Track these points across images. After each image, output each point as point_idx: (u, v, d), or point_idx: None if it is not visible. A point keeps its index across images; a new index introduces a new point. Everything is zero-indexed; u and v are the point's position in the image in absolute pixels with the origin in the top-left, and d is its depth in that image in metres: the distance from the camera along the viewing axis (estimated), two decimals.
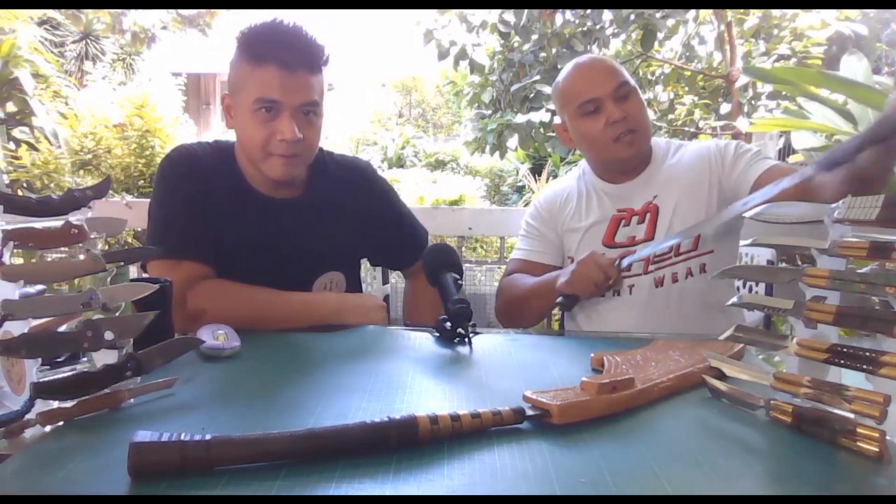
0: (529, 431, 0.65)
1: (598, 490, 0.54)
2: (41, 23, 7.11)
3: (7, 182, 4.59)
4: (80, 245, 0.70)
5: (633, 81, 1.32)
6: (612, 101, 1.27)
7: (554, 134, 4.16)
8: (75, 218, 0.70)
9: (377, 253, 1.44)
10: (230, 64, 1.16)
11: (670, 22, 3.83)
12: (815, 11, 3.82)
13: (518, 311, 1.40)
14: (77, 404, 0.66)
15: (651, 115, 3.98)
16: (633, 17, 3.73)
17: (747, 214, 0.81)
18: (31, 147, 5.01)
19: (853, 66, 2.35)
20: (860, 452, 0.61)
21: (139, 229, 2.73)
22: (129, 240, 3.74)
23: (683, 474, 0.57)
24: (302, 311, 1.11)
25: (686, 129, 4.12)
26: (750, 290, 1.61)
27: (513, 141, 4.27)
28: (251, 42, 1.11)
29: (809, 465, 0.60)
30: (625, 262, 1.25)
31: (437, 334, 1.03)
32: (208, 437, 0.55)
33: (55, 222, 0.69)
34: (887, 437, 0.61)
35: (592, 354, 0.90)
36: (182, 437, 0.54)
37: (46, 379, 0.66)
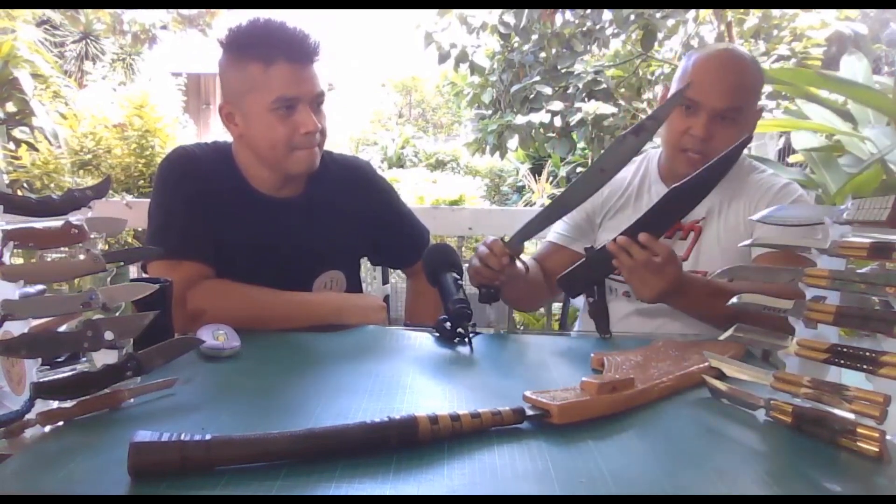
0: (529, 431, 0.65)
1: (598, 490, 0.54)
2: (41, 23, 7.11)
3: (7, 182, 4.59)
4: (80, 245, 0.70)
5: (750, 108, 1.22)
6: (710, 116, 1.17)
7: (553, 134, 4.16)
8: (75, 218, 0.70)
9: (378, 252, 1.44)
10: (224, 72, 1.15)
11: (670, 22, 3.83)
12: (814, 11, 3.82)
13: None
14: (77, 404, 0.66)
15: None
16: (633, 17, 3.73)
17: (754, 218, 0.81)
18: (31, 147, 5.00)
19: (853, 67, 2.35)
20: (860, 452, 0.61)
21: (139, 229, 2.73)
22: (129, 240, 3.73)
23: (683, 474, 0.57)
24: (302, 311, 1.11)
25: None
26: None
27: (513, 141, 4.26)
28: (252, 43, 1.11)
29: (809, 465, 0.60)
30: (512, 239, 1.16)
31: (437, 334, 1.03)
32: (208, 437, 0.55)
33: (55, 222, 0.69)
34: (887, 437, 0.61)
35: (592, 354, 0.90)
36: (182, 437, 0.55)
37: (46, 379, 0.66)
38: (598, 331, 1.12)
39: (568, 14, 4.08)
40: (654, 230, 1.06)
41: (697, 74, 1.21)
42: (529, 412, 0.66)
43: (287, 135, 1.12)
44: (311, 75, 1.12)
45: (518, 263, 1.17)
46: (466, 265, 1.19)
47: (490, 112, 4.57)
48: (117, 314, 0.71)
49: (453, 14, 4.19)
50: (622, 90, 4.16)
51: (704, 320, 1.16)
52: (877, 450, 0.60)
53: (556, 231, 1.40)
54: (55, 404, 0.66)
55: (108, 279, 0.75)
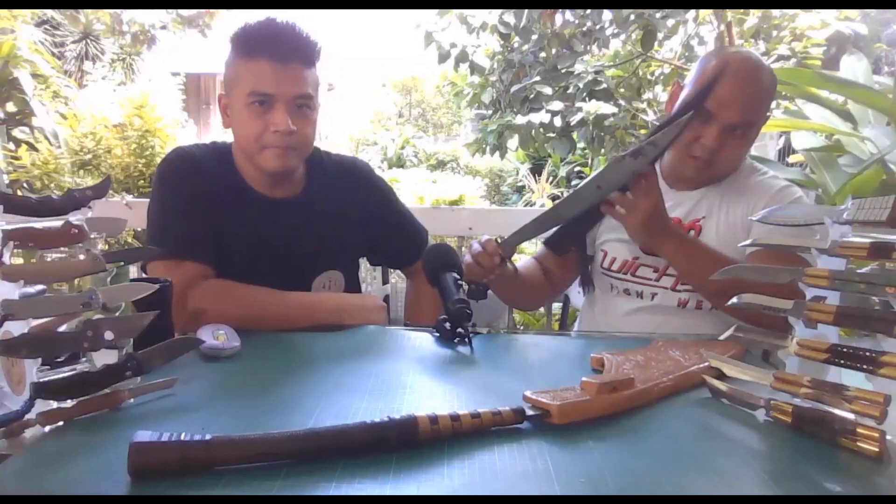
0: (529, 431, 0.65)
1: (598, 490, 0.54)
2: (41, 23, 7.11)
3: (7, 182, 4.59)
4: (80, 245, 0.70)
5: (761, 121, 1.23)
6: (722, 128, 1.18)
7: (553, 134, 4.16)
8: (75, 218, 0.70)
9: (377, 253, 1.44)
10: (225, 64, 1.17)
11: (670, 22, 3.82)
12: (814, 11, 3.81)
13: None
14: (77, 404, 0.66)
15: (651, 115, 3.99)
16: (633, 17, 3.72)
17: (754, 217, 0.81)
18: (31, 147, 5.00)
19: (853, 67, 2.35)
20: (860, 452, 0.61)
21: (139, 229, 2.73)
22: (129, 240, 3.73)
23: (683, 474, 0.57)
24: (302, 311, 1.11)
25: None
26: None
27: (513, 142, 4.26)
28: (244, 38, 1.13)
29: (809, 465, 0.60)
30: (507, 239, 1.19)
31: (437, 334, 1.03)
32: (208, 437, 0.55)
33: (55, 222, 0.69)
34: (887, 437, 0.61)
35: (592, 354, 0.90)
36: (182, 437, 0.54)
37: (46, 379, 0.66)
38: (582, 282, 1.32)
39: (568, 14, 4.08)
40: None
41: (723, 84, 1.18)
42: (529, 412, 0.66)
43: (258, 131, 1.12)
44: (292, 75, 1.11)
45: (508, 265, 1.20)
46: None
47: (490, 112, 4.57)
48: (117, 314, 0.70)
49: (453, 14, 4.19)
50: (622, 90, 4.16)
51: (693, 282, 1.19)
52: (877, 450, 0.60)
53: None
54: (55, 404, 0.66)
55: (108, 279, 0.75)
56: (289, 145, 1.13)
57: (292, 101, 1.12)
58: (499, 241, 1.17)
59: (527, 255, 1.65)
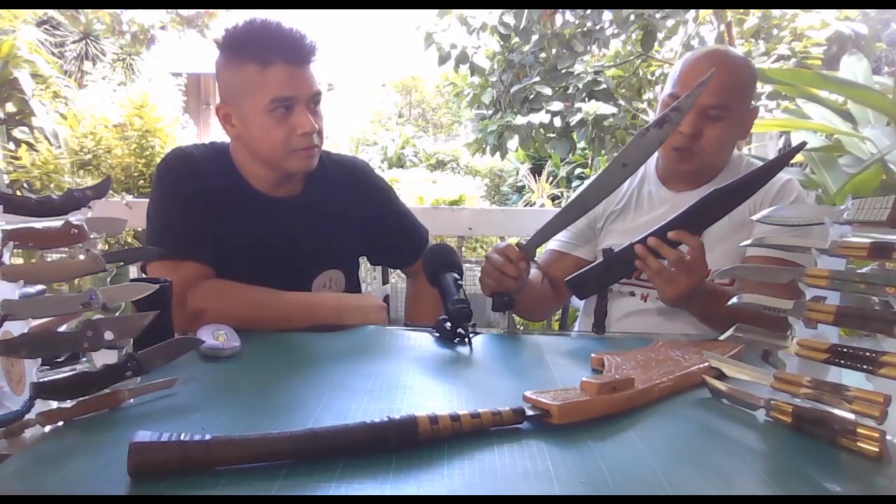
0: (529, 431, 0.65)
1: (598, 490, 0.54)
2: (41, 23, 7.12)
3: (7, 182, 4.59)
4: (80, 245, 0.70)
5: (740, 107, 1.21)
6: (697, 113, 1.17)
7: (553, 135, 4.17)
8: (75, 218, 0.70)
9: (377, 252, 1.44)
10: (220, 71, 1.15)
11: (670, 22, 3.83)
12: (814, 11, 3.82)
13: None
14: (77, 404, 0.66)
15: (651, 115, 3.99)
16: (633, 17, 3.73)
17: (755, 217, 0.81)
18: (31, 147, 5.01)
19: (853, 67, 2.35)
20: (860, 452, 0.61)
21: (139, 229, 2.73)
22: (129, 240, 3.74)
23: (683, 474, 0.57)
24: (302, 311, 1.11)
25: None
26: None
27: (513, 142, 4.27)
28: (249, 45, 1.10)
29: (809, 465, 0.60)
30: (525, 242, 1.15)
31: (437, 334, 1.03)
32: (208, 437, 0.55)
33: (55, 222, 0.69)
34: (887, 437, 0.61)
35: (592, 354, 0.90)
36: (182, 437, 0.54)
37: (46, 379, 0.66)
38: (595, 327, 1.14)
39: (568, 14, 4.08)
40: (688, 232, 1.05)
41: (685, 73, 1.23)
42: (529, 412, 0.66)
43: (285, 136, 1.12)
44: (307, 75, 1.12)
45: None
46: (467, 265, 1.19)
47: (490, 112, 4.58)
48: (117, 314, 0.70)
49: (453, 15, 4.19)
50: (622, 90, 4.16)
51: (711, 324, 1.16)
52: (877, 450, 0.60)
53: (558, 238, 1.39)
54: (55, 404, 0.66)
55: (108, 279, 0.75)
56: (315, 144, 1.15)
57: (311, 100, 1.13)
58: (519, 245, 1.11)
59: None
